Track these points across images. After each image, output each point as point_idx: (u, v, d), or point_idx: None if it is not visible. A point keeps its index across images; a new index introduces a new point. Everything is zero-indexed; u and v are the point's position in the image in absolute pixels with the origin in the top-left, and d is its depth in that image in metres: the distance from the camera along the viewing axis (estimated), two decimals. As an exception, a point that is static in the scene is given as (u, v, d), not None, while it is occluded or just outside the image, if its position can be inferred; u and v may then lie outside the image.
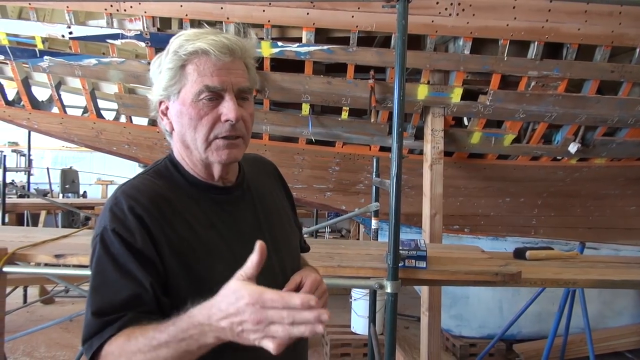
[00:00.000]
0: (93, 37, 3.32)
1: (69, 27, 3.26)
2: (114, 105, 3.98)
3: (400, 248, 2.26)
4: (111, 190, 7.29)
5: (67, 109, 3.82)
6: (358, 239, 7.05)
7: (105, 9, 3.18)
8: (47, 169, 8.83)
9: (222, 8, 3.09)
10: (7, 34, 3.37)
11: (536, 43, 3.22)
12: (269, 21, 3.13)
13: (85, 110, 3.81)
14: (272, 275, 1.13)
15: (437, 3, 3.09)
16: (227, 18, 3.11)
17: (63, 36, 3.31)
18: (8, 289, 3.99)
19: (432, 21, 3.12)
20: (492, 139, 3.64)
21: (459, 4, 3.10)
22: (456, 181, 3.94)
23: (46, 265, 2.64)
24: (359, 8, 3.08)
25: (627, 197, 4.29)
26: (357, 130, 3.61)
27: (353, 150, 3.76)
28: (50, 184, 8.71)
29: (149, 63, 3.19)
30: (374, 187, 3.49)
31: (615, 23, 3.19)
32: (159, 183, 1.09)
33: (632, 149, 3.77)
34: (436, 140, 3.45)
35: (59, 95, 3.69)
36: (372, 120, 3.54)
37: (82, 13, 3.41)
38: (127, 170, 7.20)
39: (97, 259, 1.00)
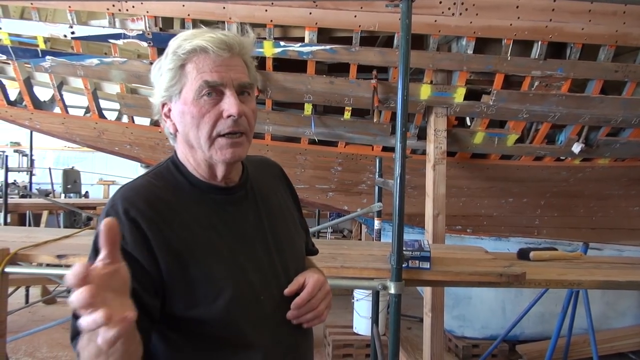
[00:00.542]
0: (95, 37, 3.32)
1: (71, 27, 3.26)
2: (116, 106, 3.98)
3: (404, 249, 2.24)
4: (113, 190, 7.31)
5: (69, 109, 3.81)
6: (360, 240, 7.04)
7: (108, 9, 3.17)
8: (49, 169, 8.86)
9: (224, 8, 3.09)
10: (10, 34, 3.37)
11: (540, 43, 3.20)
12: (271, 21, 3.12)
13: (88, 110, 3.80)
14: (274, 276, 1.13)
15: (440, 2, 3.08)
16: (230, 18, 3.10)
17: (65, 36, 3.30)
18: (10, 289, 3.99)
19: (435, 21, 3.11)
20: (495, 139, 3.63)
21: (462, 4, 3.08)
22: (459, 181, 3.93)
23: (48, 265, 2.63)
24: (361, 8, 3.07)
25: (630, 197, 4.27)
26: (359, 130, 3.60)
27: (355, 150, 3.75)
28: (52, 184, 8.73)
29: (151, 63, 3.19)
30: (376, 188, 3.48)
31: (619, 22, 3.17)
32: (158, 185, 1.09)
33: (636, 149, 3.76)
34: (439, 141, 3.44)
35: (61, 95, 3.69)
36: (374, 120, 3.53)
37: (84, 13, 3.41)
38: (129, 170, 7.22)
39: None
